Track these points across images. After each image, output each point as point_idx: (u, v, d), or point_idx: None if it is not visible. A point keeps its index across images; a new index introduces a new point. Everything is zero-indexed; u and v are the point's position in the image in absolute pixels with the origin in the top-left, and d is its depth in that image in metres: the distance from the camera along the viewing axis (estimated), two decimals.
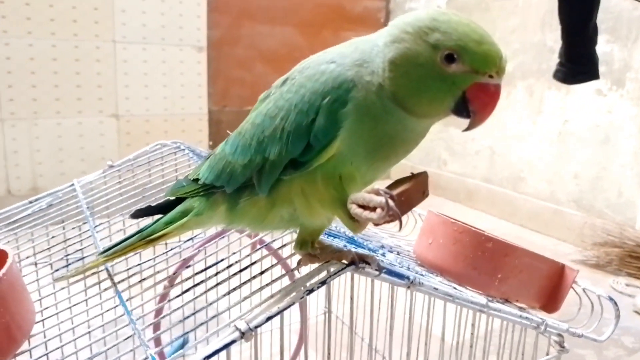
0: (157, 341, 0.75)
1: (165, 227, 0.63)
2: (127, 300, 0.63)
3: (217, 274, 0.66)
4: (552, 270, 0.78)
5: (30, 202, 0.91)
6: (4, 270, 0.56)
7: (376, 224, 0.47)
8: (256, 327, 0.48)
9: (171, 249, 0.75)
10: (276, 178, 0.53)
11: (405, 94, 0.49)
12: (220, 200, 0.59)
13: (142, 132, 2.50)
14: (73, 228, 0.82)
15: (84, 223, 0.81)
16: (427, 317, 0.71)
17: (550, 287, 0.78)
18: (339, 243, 0.68)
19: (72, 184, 0.93)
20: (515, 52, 2.65)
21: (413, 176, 0.53)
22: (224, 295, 0.57)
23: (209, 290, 0.60)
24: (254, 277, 0.60)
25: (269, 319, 0.48)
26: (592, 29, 1.63)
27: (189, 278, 0.68)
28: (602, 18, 2.17)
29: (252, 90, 2.44)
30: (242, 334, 0.47)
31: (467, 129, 0.50)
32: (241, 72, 2.75)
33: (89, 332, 0.60)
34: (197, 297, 0.60)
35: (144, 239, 0.64)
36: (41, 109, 2.32)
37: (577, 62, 1.67)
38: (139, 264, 0.71)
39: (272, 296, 0.50)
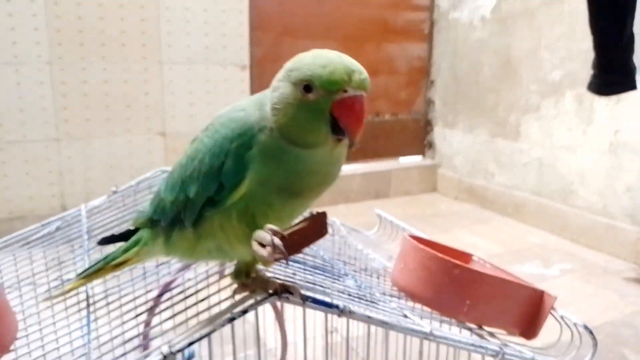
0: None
1: (123, 255, 0.68)
2: (94, 320, 0.68)
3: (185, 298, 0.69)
4: (527, 297, 0.76)
5: (42, 226, 0.99)
6: None
7: (273, 261, 0.49)
8: (178, 350, 0.51)
9: (143, 273, 0.79)
10: (198, 214, 0.58)
11: (288, 131, 0.54)
12: (160, 232, 0.64)
13: None
14: (71, 251, 0.89)
15: (80, 247, 0.87)
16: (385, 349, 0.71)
17: (527, 313, 0.76)
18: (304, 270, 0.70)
19: (80, 209, 0.99)
20: (562, 60, 2.56)
21: (311, 216, 0.55)
22: (166, 320, 0.60)
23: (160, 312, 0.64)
24: (196, 303, 0.63)
25: (190, 343, 0.51)
26: (627, 37, 1.56)
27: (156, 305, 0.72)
28: None
29: None
30: (165, 357, 0.50)
31: (350, 145, 0.54)
32: None
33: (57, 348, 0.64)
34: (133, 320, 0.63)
35: (108, 264, 0.69)
36: (93, 129, 2.47)
37: (611, 72, 1.61)
38: (104, 290, 0.75)
39: (198, 323, 0.53)
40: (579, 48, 2.44)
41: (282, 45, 2.84)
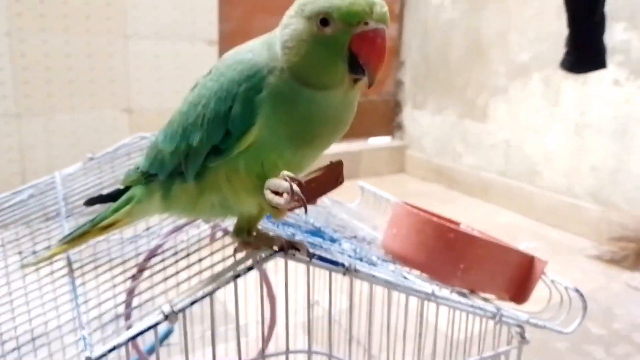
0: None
1: (113, 215, 0.64)
2: (79, 285, 0.64)
3: (176, 262, 0.67)
4: (519, 261, 0.76)
5: (14, 194, 0.94)
6: None
7: (290, 209, 0.47)
8: (180, 310, 0.48)
9: (121, 242, 0.76)
10: (201, 165, 0.54)
11: (301, 70, 0.50)
12: (156, 187, 0.61)
13: (154, 126, 2.53)
14: (47, 219, 0.84)
15: (57, 214, 0.83)
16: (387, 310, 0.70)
17: (518, 278, 0.76)
18: (297, 233, 0.68)
19: (54, 176, 0.95)
20: (531, 42, 2.59)
21: (327, 165, 0.53)
22: (160, 282, 0.58)
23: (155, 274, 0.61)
24: (192, 263, 0.60)
25: (193, 302, 0.49)
26: (599, 17, 1.59)
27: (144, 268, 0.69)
28: (620, 5, 2.10)
29: None
30: (166, 317, 0.48)
31: (369, 84, 0.51)
32: None
33: (30, 315, 0.61)
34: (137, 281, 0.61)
35: (95, 226, 0.66)
36: (56, 104, 2.37)
37: (584, 51, 1.63)
38: (80, 258, 0.72)
39: (201, 281, 0.51)
40: (548, 30, 2.47)
41: (251, 21, 2.79)
